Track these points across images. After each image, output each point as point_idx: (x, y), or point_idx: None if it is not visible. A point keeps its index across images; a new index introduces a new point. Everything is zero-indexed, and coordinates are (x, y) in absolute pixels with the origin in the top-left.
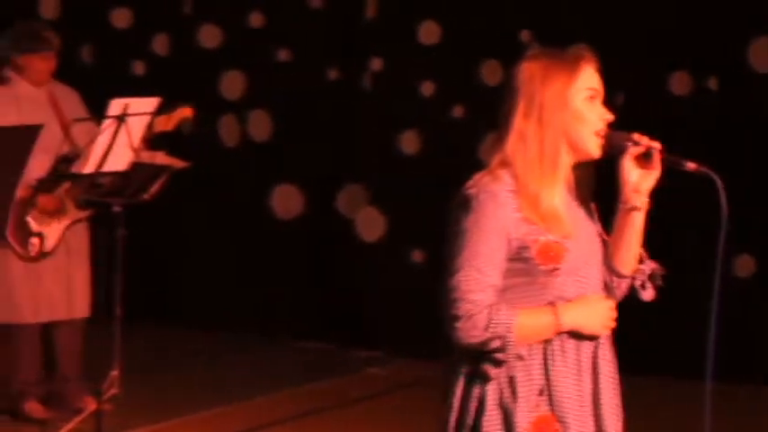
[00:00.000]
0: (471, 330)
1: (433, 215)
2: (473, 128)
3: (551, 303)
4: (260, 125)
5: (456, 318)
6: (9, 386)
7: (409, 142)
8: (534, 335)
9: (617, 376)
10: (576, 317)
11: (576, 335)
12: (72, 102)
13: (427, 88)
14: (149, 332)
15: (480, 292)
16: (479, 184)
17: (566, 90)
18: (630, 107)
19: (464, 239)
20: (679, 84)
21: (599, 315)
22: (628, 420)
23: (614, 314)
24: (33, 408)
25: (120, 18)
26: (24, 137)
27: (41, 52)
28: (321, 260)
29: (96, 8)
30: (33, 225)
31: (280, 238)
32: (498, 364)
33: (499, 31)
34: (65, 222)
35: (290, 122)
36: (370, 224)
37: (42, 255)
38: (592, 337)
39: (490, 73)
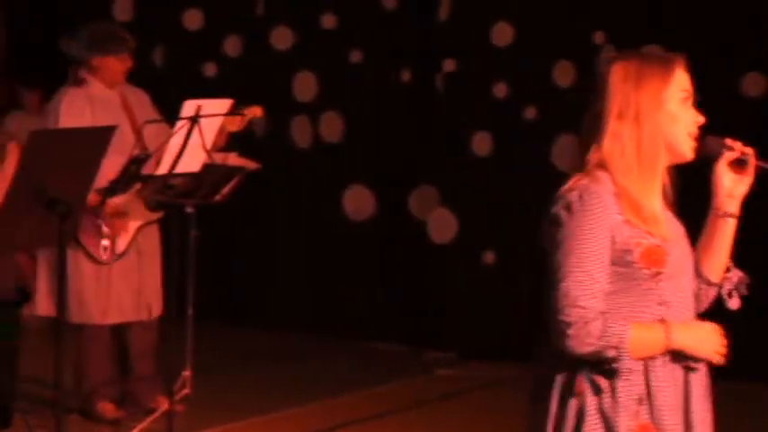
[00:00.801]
0: (585, 338)
1: (505, 217)
2: (545, 129)
3: (663, 321)
4: (332, 126)
5: (568, 325)
6: (81, 386)
7: (481, 143)
8: (644, 349)
9: (708, 388)
10: (687, 339)
11: (681, 355)
12: (143, 104)
13: (500, 89)
14: (222, 333)
15: (592, 297)
16: (580, 186)
17: (661, 91)
18: (703, 109)
19: (570, 243)
20: (752, 85)
21: (711, 342)
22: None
23: (725, 343)
24: (105, 408)
25: (192, 20)
26: (98, 138)
27: (117, 53)
28: (393, 261)
29: (168, 10)
30: (105, 227)
31: (351, 239)
32: (610, 374)
33: (572, 32)
34: (136, 224)
35: (362, 124)
36: (442, 225)
37: (113, 257)
38: (696, 360)
39: (563, 74)
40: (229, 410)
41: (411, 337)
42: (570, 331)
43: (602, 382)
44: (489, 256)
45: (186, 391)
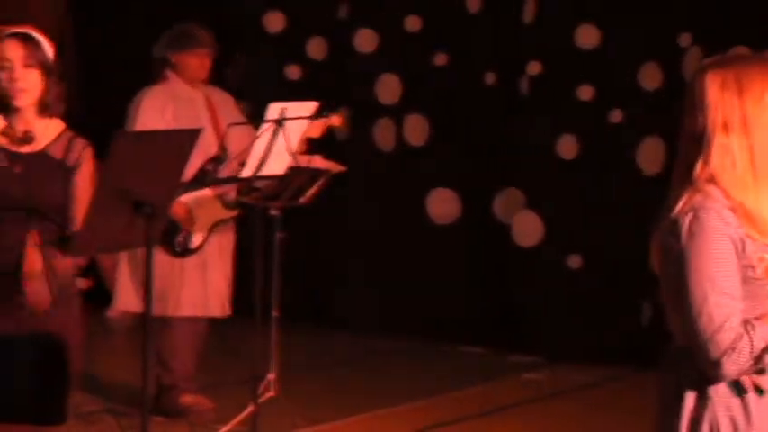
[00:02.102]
0: (740, 359)
1: (590, 220)
2: (631, 132)
3: None
4: (416, 129)
5: (721, 353)
6: (162, 379)
7: (566, 146)
8: None
9: None
10: None
11: None
12: (228, 106)
13: (585, 92)
14: (307, 335)
15: (734, 316)
16: (694, 204)
17: (764, 95)
18: None
19: (698, 266)
20: None
21: None
22: None
23: None
24: (187, 402)
25: (275, 22)
26: (184, 141)
27: (195, 50)
28: (477, 265)
29: (252, 13)
30: (179, 222)
31: (436, 242)
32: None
33: (658, 33)
34: (210, 222)
35: (447, 126)
36: (527, 229)
37: (187, 251)
38: None
39: (649, 77)
40: (314, 413)
41: (496, 340)
42: (725, 359)
43: (731, 397)
44: (575, 260)
45: (271, 393)
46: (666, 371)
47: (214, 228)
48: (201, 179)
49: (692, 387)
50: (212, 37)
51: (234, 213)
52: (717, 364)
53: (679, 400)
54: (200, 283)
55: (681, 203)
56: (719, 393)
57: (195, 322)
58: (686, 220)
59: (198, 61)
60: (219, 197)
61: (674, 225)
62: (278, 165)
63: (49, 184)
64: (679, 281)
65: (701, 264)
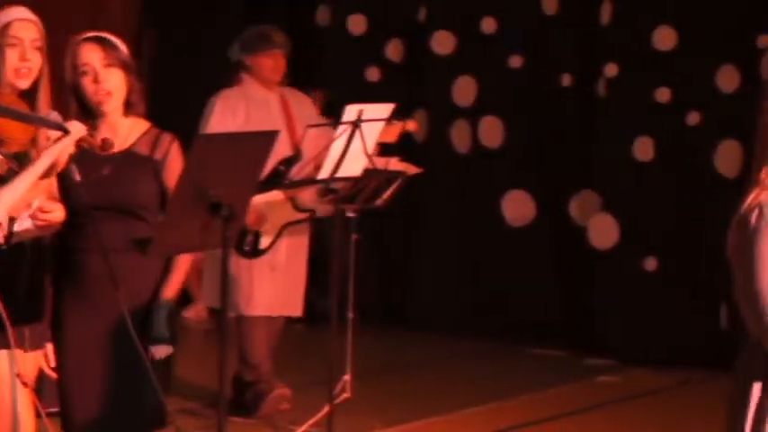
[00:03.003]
0: None
1: (667, 222)
2: (708, 134)
3: None
4: (492, 131)
5: None
6: (243, 376)
7: (643, 148)
8: None
9: None
10: None
11: None
12: (304, 107)
13: (662, 94)
14: (383, 337)
15: None
16: (760, 200)
17: None
18: None
19: (763, 258)
20: None
21: None
22: None
23: None
24: (270, 405)
25: (356, 24)
26: (261, 143)
27: (268, 51)
28: (553, 267)
29: (334, 14)
30: (249, 223)
31: (512, 244)
32: None
33: (736, 35)
34: (281, 223)
35: (522, 128)
36: (603, 231)
37: (256, 252)
38: None
39: (726, 79)
40: (389, 415)
41: (571, 342)
42: None
43: None
44: (651, 262)
45: (346, 395)
46: (739, 368)
47: (285, 229)
48: (275, 180)
49: (759, 379)
50: (286, 38)
51: (305, 215)
52: None
53: (746, 392)
54: (271, 283)
55: (749, 200)
56: None
57: (270, 321)
58: (753, 216)
59: (272, 62)
60: (290, 198)
61: (743, 221)
62: (354, 166)
63: (139, 182)
64: (748, 274)
65: (766, 256)
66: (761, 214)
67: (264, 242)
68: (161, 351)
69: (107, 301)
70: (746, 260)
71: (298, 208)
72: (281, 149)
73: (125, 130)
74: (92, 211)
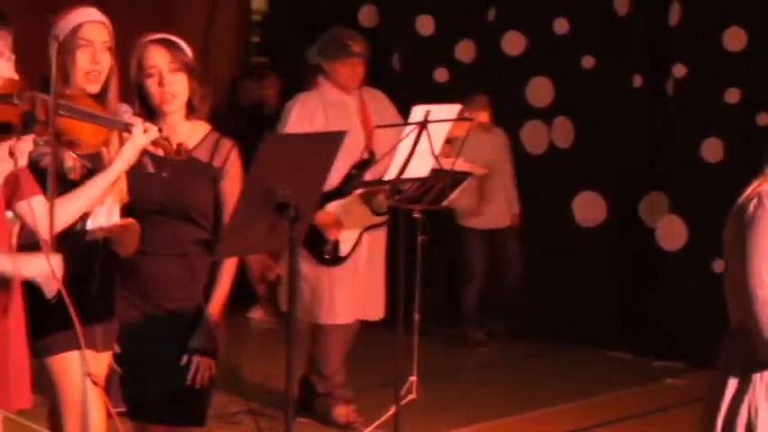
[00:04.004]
0: None
1: None
2: None
3: None
4: (563, 132)
5: None
6: (317, 386)
7: (712, 150)
8: None
9: None
10: None
11: None
12: (382, 107)
13: (732, 95)
14: (450, 338)
15: None
16: (760, 191)
17: None
18: None
19: (757, 247)
20: None
21: None
22: None
23: None
24: (341, 412)
25: (425, 25)
26: (329, 143)
27: (345, 59)
28: (622, 269)
29: (405, 16)
30: (327, 231)
31: (581, 245)
32: None
33: None
34: (360, 229)
35: (594, 129)
36: (672, 232)
37: (337, 260)
38: None
39: None
40: (455, 416)
41: (640, 344)
42: None
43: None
44: (719, 264)
45: (413, 396)
46: (719, 358)
47: (363, 234)
48: (347, 185)
49: (736, 371)
50: (365, 43)
51: (383, 219)
52: None
53: (723, 383)
54: (352, 290)
55: (749, 190)
56: (763, 379)
57: (349, 328)
58: (751, 205)
59: (350, 70)
60: (368, 203)
61: (741, 210)
62: (421, 167)
63: (196, 187)
64: (741, 263)
65: (761, 246)
66: (759, 203)
67: (344, 249)
68: (196, 362)
69: (170, 302)
70: (741, 247)
71: (375, 212)
72: (358, 153)
73: (185, 133)
74: (150, 213)
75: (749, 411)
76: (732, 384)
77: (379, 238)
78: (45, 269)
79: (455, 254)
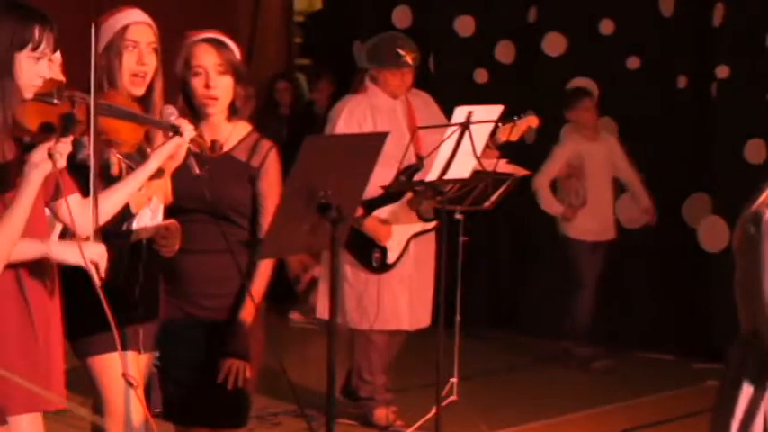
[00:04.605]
0: None
1: None
2: None
3: None
4: (608, 133)
5: None
6: (359, 391)
7: (755, 151)
8: None
9: None
10: None
11: None
12: (429, 110)
13: None
14: (491, 339)
15: None
16: None
17: None
18: None
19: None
20: None
21: None
22: None
23: None
24: (382, 414)
25: (464, 26)
26: (371, 145)
27: (392, 68)
28: (665, 270)
29: (442, 16)
30: (376, 238)
31: (624, 246)
32: None
33: None
34: (408, 235)
35: (637, 130)
36: (714, 234)
37: (385, 267)
38: None
39: None
40: (496, 418)
41: (681, 346)
42: None
43: None
44: None
45: (454, 397)
46: (730, 361)
47: (411, 240)
48: (393, 192)
49: (749, 377)
50: (417, 52)
51: (432, 225)
52: None
53: (737, 389)
54: (400, 297)
55: (763, 196)
56: None
57: (395, 335)
58: (762, 214)
59: (399, 79)
60: (415, 209)
61: (755, 216)
62: (463, 168)
63: (234, 186)
64: (754, 268)
65: None
66: None
67: (392, 256)
68: (232, 367)
69: (206, 302)
70: (755, 256)
71: (422, 218)
72: (407, 158)
73: (226, 134)
74: (189, 212)
75: (765, 419)
76: (746, 390)
77: (427, 245)
78: (94, 255)
79: (561, 265)
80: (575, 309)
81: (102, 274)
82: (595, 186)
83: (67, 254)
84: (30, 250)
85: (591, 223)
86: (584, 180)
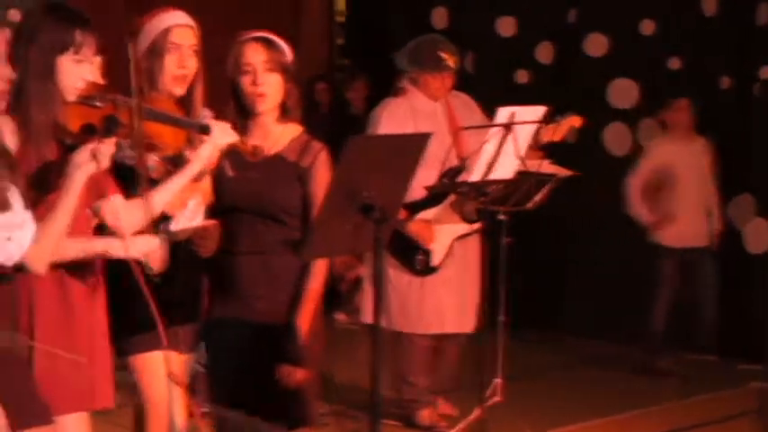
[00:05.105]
0: None
1: None
2: None
3: None
4: (650, 134)
5: None
6: (403, 393)
7: None
8: None
9: None
10: None
11: None
12: (470, 112)
13: None
14: (535, 340)
15: None
16: None
17: None
18: None
19: None
20: None
21: None
22: None
23: None
24: (425, 415)
25: (506, 26)
26: (414, 145)
27: (433, 72)
28: None
29: (482, 17)
30: (419, 240)
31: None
32: None
33: None
34: (452, 237)
35: None
36: (758, 236)
37: (428, 269)
38: None
39: None
40: (540, 419)
41: (725, 348)
42: None
43: None
44: None
45: (497, 398)
46: None
47: (456, 242)
48: (437, 194)
49: None
50: (458, 56)
51: (475, 227)
52: None
53: None
54: (443, 300)
55: None
56: None
57: (440, 338)
58: None
59: (440, 82)
60: (459, 211)
61: None
62: (506, 169)
63: (283, 187)
64: None
65: None
66: None
67: (436, 259)
68: (289, 373)
69: (256, 302)
70: None
71: (466, 219)
72: (449, 161)
73: (276, 135)
74: (237, 212)
75: None
76: None
77: (471, 247)
78: (149, 247)
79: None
80: (653, 318)
81: (157, 266)
82: (688, 190)
83: (116, 248)
84: (78, 248)
85: (683, 229)
86: (675, 186)
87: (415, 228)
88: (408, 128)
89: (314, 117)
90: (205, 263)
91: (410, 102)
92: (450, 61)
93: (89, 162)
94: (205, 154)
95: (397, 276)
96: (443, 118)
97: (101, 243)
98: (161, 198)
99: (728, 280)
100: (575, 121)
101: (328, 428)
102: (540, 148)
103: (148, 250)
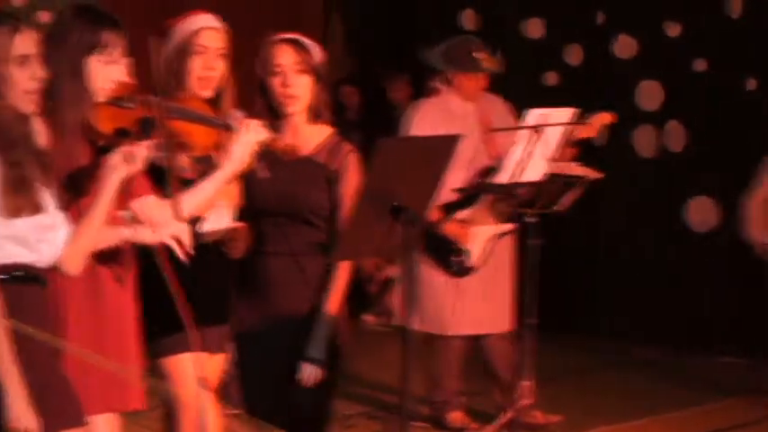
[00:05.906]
0: None
1: None
2: None
3: None
4: (675, 136)
5: None
6: (433, 395)
7: None
8: None
9: None
10: None
11: None
12: (501, 114)
13: None
14: (564, 343)
15: None
16: None
17: None
18: None
19: None
20: None
21: None
22: None
23: None
24: (456, 417)
25: (534, 28)
26: (444, 147)
27: (469, 72)
28: (736, 274)
29: (511, 19)
30: (455, 241)
31: (694, 250)
32: None
33: None
34: (486, 238)
35: (706, 133)
36: None
37: (464, 270)
38: None
39: None
40: (569, 421)
41: (749, 350)
42: None
43: None
44: None
45: (527, 401)
46: None
47: (490, 243)
48: (470, 196)
49: None
50: (492, 57)
51: (509, 227)
52: None
53: None
54: (477, 302)
55: None
56: None
57: (471, 339)
58: None
59: (474, 83)
60: (493, 211)
61: None
62: (535, 171)
63: (313, 189)
64: None
65: None
66: None
67: (472, 259)
68: (310, 372)
69: (285, 303)
70: None
71: (500, 221)
72: (480, 162)
73: (306, 136)
74: (267, 214)
75: None
76: None
77: (505, 248)
78: (177, 231)
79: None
80: None
81: (187, 250)
82: None
83: (144, 233)
84: (108, 236)
85: None
86: None
87: (452, 228)
88: (440, 130)
89: (340, 121)
90: (234, 264)
91: (444, 103)
92: (486, 62)
93: (124, 164)
94: (238, 155)
95: (430, 278)
96: (476, 118)
97: (129, 229)
98: (194, 200)
99: (755, 282)
100: (605, 117)
101: (357, 429)
102: (573, 145)
103: (176, 234)
